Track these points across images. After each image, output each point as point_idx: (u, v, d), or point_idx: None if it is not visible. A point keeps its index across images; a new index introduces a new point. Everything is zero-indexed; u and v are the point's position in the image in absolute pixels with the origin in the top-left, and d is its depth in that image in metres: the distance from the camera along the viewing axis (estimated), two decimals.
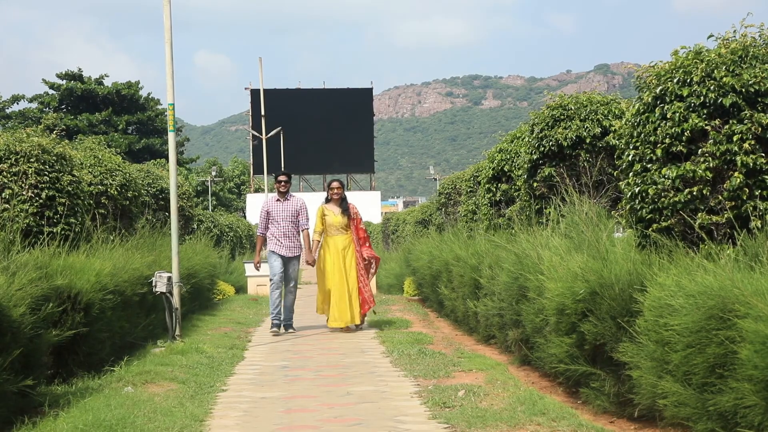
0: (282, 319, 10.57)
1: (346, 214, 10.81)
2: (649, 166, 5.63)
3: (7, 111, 45.42)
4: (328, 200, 10.93)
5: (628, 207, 5.83)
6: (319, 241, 10.78)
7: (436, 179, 58.95)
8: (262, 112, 27.36)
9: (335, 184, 11.01)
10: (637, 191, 5.68)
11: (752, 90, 5.38)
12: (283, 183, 10.73)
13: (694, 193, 5.36)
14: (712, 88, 5.43)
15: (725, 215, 5.25)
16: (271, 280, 10.46)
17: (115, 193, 10.93)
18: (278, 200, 10.67)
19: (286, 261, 10.53)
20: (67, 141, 10.49)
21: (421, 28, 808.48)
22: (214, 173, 60.05)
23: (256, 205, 44.93)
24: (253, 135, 45.29)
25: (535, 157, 9.14)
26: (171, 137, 9.47)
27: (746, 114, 5.34)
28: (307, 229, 10.73)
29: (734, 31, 5.81)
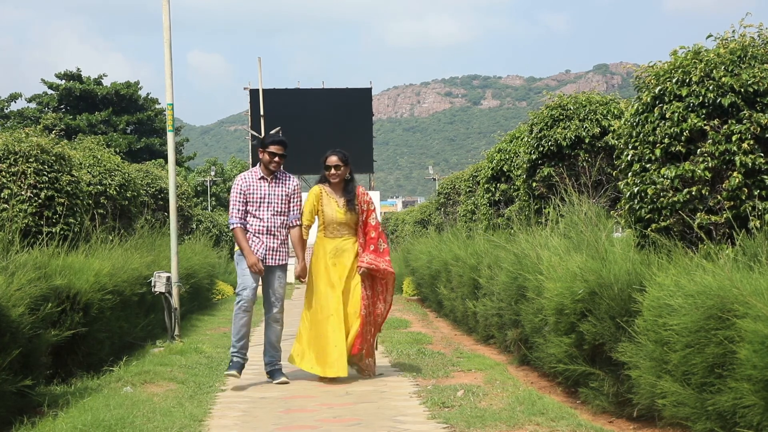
0: (265, 361, 7.15)
1: (353, 208, 7.09)
2: (648, 166, 5.63)
3: (6, 111, 45.34)
4: (325, 179, 7.22)
5: (627, 207, 5.83)
6: (306, 241, 7.20)
7: (435, 179, 58.96)
8: (261, 112, 27.34)
9: (333, 159, 7.10)
10: (636, 191, 5.68)
11: (751, 90, 5.38)
12: (276, 157, 7.01)
13: (693, 193, 5.36)
14: (711, 88, 5.43)
15: (724, 215, 5.26)
16: (237, 295, 6.97)
17: (114, 193, 10.94)
18: (263, 179, 7.02)
19: (268, 272, 7.01)
20: (66, 141, 10.49)
21: (416, 28, 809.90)
22: (213, 173, 60.04)
23: None
24: (252, 135, 45.29)
25: (534, 157, 9.15)
26: (170, 137, 9.47)
27: (745, 114, 5.35)
28: (300, 225, 7.13)
29: (733, 31, 5.82)
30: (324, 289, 6.99)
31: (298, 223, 7.12)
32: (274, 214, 6.99)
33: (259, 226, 6.95)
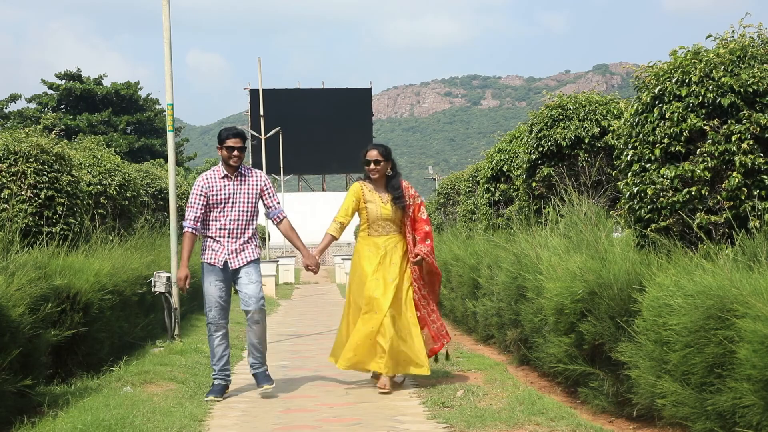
0: (249, 363, 6.63)
1: (400, 203, 6.73)
2: (647, 166, 5.64)
3: (6, 111, 45.35)
4: (367, 176, 6.86)
5: (626, 207, 5.84)
6: (334, 239, 6.73)
7: (434, 179, 58.99)
8: (261, 112, 27.33)
9: (373, 153, 6.74)
10: (635, 191, 5.68)
11: (751, 90, 5.38)
12: (236, 151, 6.44)
13: (693, 193, 5.37)
14: (710, 88, 5.44)
15: (724, 215, 5.26)
16: (207, 317, 6.49)
17: (114, 193, 10.94)
18: (226, 177, 6.47)
19: (234, 274, 6.47)
20: (66, 141, 10.50)
21: (415, 28, 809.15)
22: None
23: None
24: (251, 135, 45.36)
25: (533, 157, 9.16)
26: (170, 137, 9.48)
27: (745, 114, 5.35)
28: (287, 217, 6.70)
29: (732, 31, 5.83)
30: (375, 287, 6.50)
31: (285, 214, 6.64)
32: (239, 214, 6.43)
33: (220, 228, 6.41)
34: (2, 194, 8.07)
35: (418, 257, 6.62)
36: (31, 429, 5.09)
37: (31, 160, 8.32)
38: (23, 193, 8.14)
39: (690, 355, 4.24)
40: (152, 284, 8.97)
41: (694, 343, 4.21)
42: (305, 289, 21.35)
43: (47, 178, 8.33)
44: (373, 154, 6.70)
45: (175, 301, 9.08)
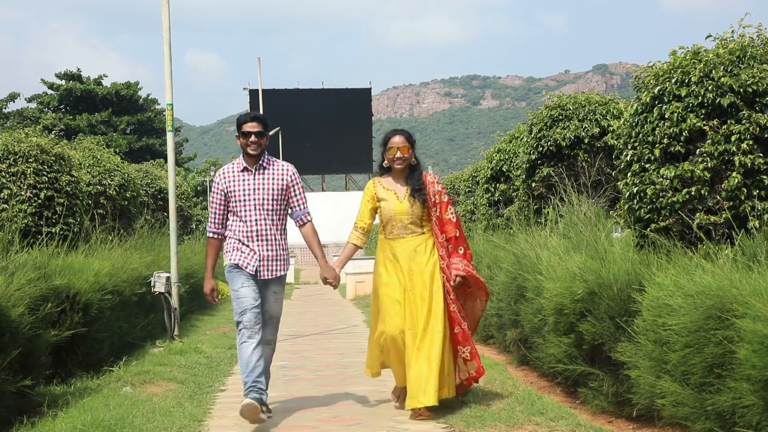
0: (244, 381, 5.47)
1: (421, 197, 5.73)
2: (647, 166, 5.64)
3: (5, 110, 45.30)
4: (384, 169, 5.92)
5: (626, 207, 5.84)
6: (357, 247, 5.89)
7: None
8: (261, 112, 27.36)
9: (398, 140, 5.77)
10: (635, 191, 5.68)
11: (750, 90, 5.38)
12: (254, 137, 5.54)
13: (693, 193, 5.37)
14: (710, 88, 5.44)
15: (723, 215, 5.26)
16: (238, 323, 5.46)
17: (114, 193, 10.95)
18: (245, 170, 5.61)
19: (261, 286, 5.57)
20: (66, 141, 10.50)
21: (414, 28, 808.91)
22: (213, 173, 60.14)
23: None
24: None
25: (533, 157, 9.16)
26: (169, 137, 9.48)
27: (744, 114, 5.35)
28: (311, 221, 5.78)
29: (732, 32, 5.83)
30: (391, 298, 5.65)
31: (309, 218, 5.74)
32: (263, 213, 5.53)
33: (248, 231, 5.52)
34: (2, 194, 8.07)
35: (457, 279, 5.70)
36: (31, 429, 5.09)
37: (30, 160, 8.33)
38: (23, 193, 8.14)
39: (690, 355, 4.24)
40: (152, 284, 8.97)
41: (694, 343, 4.21)
42: (305, 289, 21.35)
43: (47, 178, 8.34)
44: (398, 140, 5.74)
45: (174, 301, 9.09)
